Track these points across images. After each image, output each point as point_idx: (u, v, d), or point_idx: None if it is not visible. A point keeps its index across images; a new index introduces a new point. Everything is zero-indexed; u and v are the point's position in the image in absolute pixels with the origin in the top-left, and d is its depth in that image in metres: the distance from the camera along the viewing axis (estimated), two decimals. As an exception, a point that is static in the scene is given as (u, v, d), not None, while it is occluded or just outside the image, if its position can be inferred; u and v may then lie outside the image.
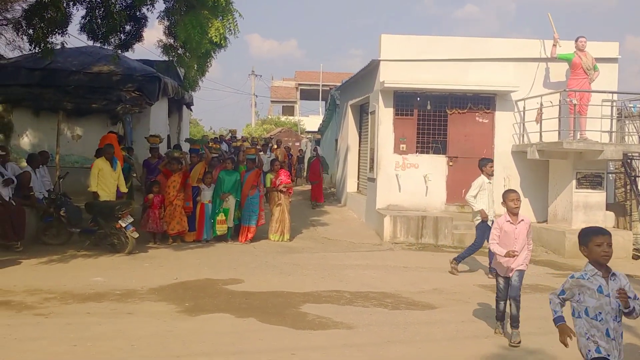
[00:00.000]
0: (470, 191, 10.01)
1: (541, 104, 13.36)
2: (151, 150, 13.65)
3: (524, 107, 14.11)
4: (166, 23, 12.25)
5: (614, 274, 4.09)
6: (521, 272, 6.61)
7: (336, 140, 21.82)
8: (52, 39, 11.97)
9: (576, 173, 13.09)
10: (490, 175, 10.27)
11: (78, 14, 12.81)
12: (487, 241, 8.02)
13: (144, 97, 15.83)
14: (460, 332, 6.80)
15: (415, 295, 8.42)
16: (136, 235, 10.92)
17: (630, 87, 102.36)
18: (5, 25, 16.56)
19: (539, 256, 12.29)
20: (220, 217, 12.45)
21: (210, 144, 15.50)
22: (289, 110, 54.76)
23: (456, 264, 10.17)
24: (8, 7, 16.28)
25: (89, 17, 12.51)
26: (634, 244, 12.75)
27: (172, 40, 12.44)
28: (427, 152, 14.45)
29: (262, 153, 17.48)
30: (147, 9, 12.39)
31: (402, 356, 5.96)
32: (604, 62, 13.77)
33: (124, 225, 10.79)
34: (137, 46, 13.46)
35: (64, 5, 11.60)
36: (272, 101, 56.40)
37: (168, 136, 19.01)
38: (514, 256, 6.43)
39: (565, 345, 4.20)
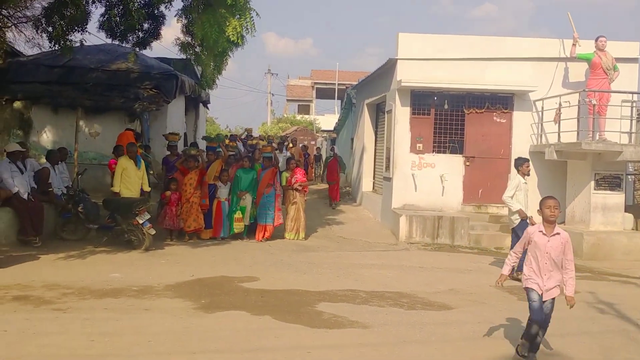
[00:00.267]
0: (506, 192, 9.92)
1: (560, 104, 13.26)
2: (170, 147, 13.72)
3: (543, 107, 14.01)
4: (184, 21, 12.29)
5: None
6: (554, 300, 5.77)
7: (352, 139, 21.80)
8: (71, 36, 12.07)
9: (595, 174, 12.97)
10: (526, 174, 10.15)
11: (97, 11, 13.03)
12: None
13: (161, 95, 15.92)
14: (476, 332, 6.76)
15: (431, 296, 8.39)
16: (153, 232, 11.00)
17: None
18: (25, 22, 16.72)
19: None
20: (238, 215, 12.51)
21: (227, 142, 15.57)
22: (304, 109, 54.78)
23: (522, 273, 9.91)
24: (28, 4, 16.44)
25: (107, 15, 12.58)
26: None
27: (189, 39, 12.48)
28: (444, 152, 14.40)
29: (277, 152, 17.49)
30: (165, 6, 12.43)
31: (417, 356, 5.94)
32: (624, 62, 13.64)
33: (141, 222, 10.88)
34: (154, 44, 13.52)
35: (84, 3, 11.68)
36: (287, 100, 56.46)
37: (185, 134, 19.09)
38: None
39: None
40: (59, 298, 7.38)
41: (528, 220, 9.65)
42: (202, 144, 16.42)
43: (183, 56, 13.01)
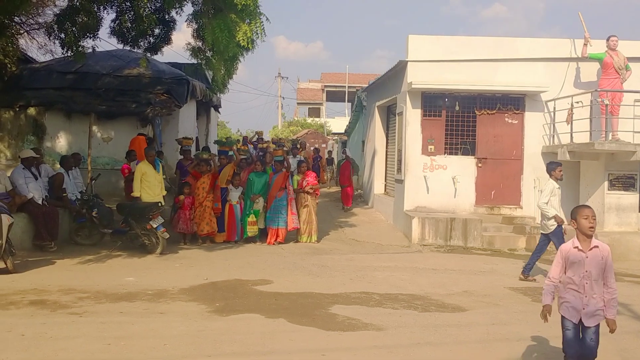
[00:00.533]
0: (542, 197, 9.78)
1: (572, 105, 13.21)
2: (184, 152, 13.80)
3: (554, 108, 13.96)
4: (194, 26, 12.36)
5: None
6: (598, 327, 4.87)
7: (363, 142, 21.82)
8: (83, 42, 12.18)
9: (608, 174, 12.91)
10: (559, 179, 9.99)
11: (108, 17, 13.05)
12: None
13: (172, 100, 16.01)
14: (490, 334, 6.75)
15: (444, 298, 8.38)
16: (167, 236, 11.08)
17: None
18: (38, 29, 16.88)
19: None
20: (251, 218, 12.57)
21: (239, 145, 15.63)
22: (315, 112, 54.88)
23: (527, 276, 9.91)
24: (40, 12, 16.61)
25: (118, 21, 12.68)
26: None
27: (200, 43, 12.56)
28: (456, 154, 14.38)
29: (290, 156, 17.49)
30: (177, 12, 12.53)
31: (431, 358, 5.95)
32: (637, 62, 13.55)
33: (155, 226, 10.96)
34: (165, 49, 13.61)
35: (95, 9, 11.79)
36: (298, 103, 56.58)
37: (196, 138, 19.20)
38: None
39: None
40: (75, 302, 7.45)
41: (563, 227, 9.62)
42: (214, 148, 16.51)
43: (194, 61, 13.10)
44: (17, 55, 15.84)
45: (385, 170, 18.11)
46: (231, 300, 7.80)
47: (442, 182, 14.18)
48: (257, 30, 11.12)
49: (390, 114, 17.58)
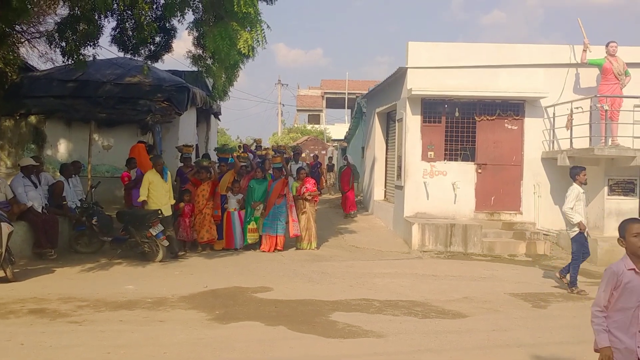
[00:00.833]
0: (567, 202, 9.65)
1: (571, 110, 13.21)
2: (184, 159, 13.80)
3: (554, 114, 13.96)
4: (195, 34, 12.39)
5: None
6: None
7: (363, 148, 21.82)
8: (84, 51, 12.19)
9: (608, 180, 12.91)
10: (583, 183, 9.88)
11: (109, 26, 13.07)
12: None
13: (173, 107, 16.01)
14: (491, 340, 6.73)
15: (445, 304, 8.36)
16: (167, 243, 11.07)
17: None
18: (38, 38, 16.95)
19: (570, 264, 12.12)
20: (252, 225, 12.56)
21: (239, 152, 15.63)
22: (314, 118, 54.93)
23: (575, 288, 9.54)
24: (41, 20, 16.68)
25: (119, 29, 12.72)
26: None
27: (200, 51, 12.59)
28: (456, 160, 14.37)
29: (293, 162, 17.48)
30: (178, 20, 12.55)
31: (433, 365, 5.94)
32: (636, 67, 13.55)
33: (154, 233, 10.94)
34: (166, 57, 13.64)
35: (96, 17, 11.81)
36: (298, 110, 56.63)
37: (196, 145, 19.19)
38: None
39: None
40: (75, 311, 7.43)
41: (585, 233, 9.58)
42: (214, 155, 16.50)
43: (194, 68, 13.12)
44: (17, 63, 15.86)
45: (385, 176, 18.10)
46: (231, 308, 7.78)
47: (442, 188, 14.17)
48: (258, 38, 11.15)
49: (390, 120, 17.59)
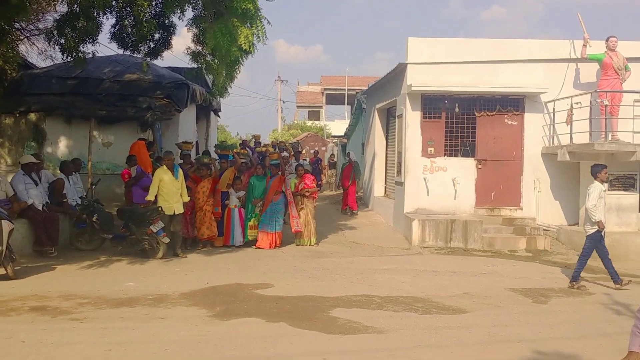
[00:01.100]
0: (590, 199, 9.53)
1: (571, 105, 13.20)
2: (184, 156, 13.78)
3: (554, 109, 13.95)
4: (195, 31, 12.36)
5: None
6: None
7: (363, 145, 21.81)
8: (83, 48, 12.16)
9: (608, 175, 12.88)
10: (605, 181, 9.81)
11: (108, 23, 13.03)
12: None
13: (172, 104, 16.01)
14: (491, 336, 6.74)
15: (445, 300, 8.37)
16: (167, 240, 11.06)
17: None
18: (38, 35, 16.90)
19: (570, 259, 12.12)
20: (252, 222, 12.58)
21: (239, 149, 15.62)
22: (314, 115, 54.91)
23: (576, 283, 9.51)
24: (40, 17, 16.64)
25: (118, 26, 12.69)
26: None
27: (200, 48, 12.56)
28: (456, 155, 14.37)
29: (294, 160, 17.44)
30: (179, 17, 12.51)
31: (433, 361, 5.95)
32: (636, 62, 13.54)
33: (155, 230, 10.94)
34: (165, 54, 13.60)
35: (95, 14, 11.78)
36: (298, 106, 56.57)
37: (196, 142, 19.19)
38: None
39: None
40: (76, 308, 7.44)
41: (602, 233, 9.55)
42: (214, 152, 16.48)
43: (194, 65, 13.09)
44: (17, 61, 15.84)
45: (385, 172, 18.10)
46: (232, 305, 7.79)
47: (442, 184, 14.17)
48: (258, 34, 11.13)
49: (390, 116, 17.58)
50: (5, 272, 8.95)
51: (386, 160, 18.03)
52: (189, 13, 12.24)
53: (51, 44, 12.80)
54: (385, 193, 17.99)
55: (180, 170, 11.72)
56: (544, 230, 13.60)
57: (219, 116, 24.47)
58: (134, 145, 13.92)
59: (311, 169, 20.28)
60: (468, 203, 14.24)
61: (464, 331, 6.91)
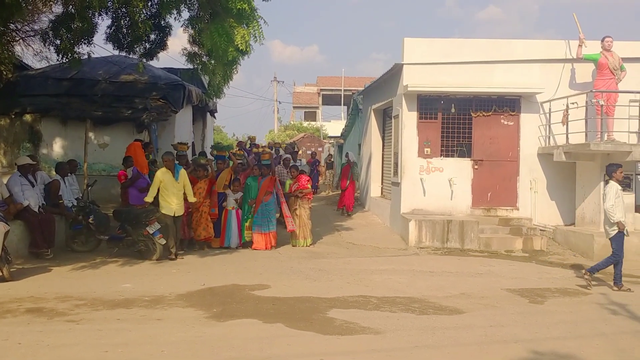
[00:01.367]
0: (608, 200, 9.47)
1: (567, 106, 13.23)
2: (179, 157, 13.75)
3: (550, 109, 13.97)
4: (191, 31, 12.36)
5: None
6: None
7: (359, 145, 21.81)
8: (78, 48, 12.14)
9: (604, 175, 12.90)
10: (620, 181, 9.76)
11: (104, 23, 13.06)
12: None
13: (168, 105, 16.00)
14: (488, 336, 6.75)
15: (442, 300, 8.38)
16: (163, 241, 11.04)
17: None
18: (33, 36, 16.91)
19: (566, 259, 12.17)
20: (249, 223, 12.56)
21: (235, 150, 15.61)
22: (311, 115, 54.89)
23: (590, 275, 9.54)
24: (35, 18, 16.63)
25: (114, 27, 12.69)
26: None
27: (196, 49, 12.56)
28: (452, 156, 14.38)
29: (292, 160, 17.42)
30: (175, 18, 12.51)
31: (430, 361, 5.95)
32: (631, 62, 13.58)
33: (151, 232, 10.93)
34: (161, 55, 13.59)
35: (90, 15, 11.77)
36: (294, 107, 56.60)
37: (192, 143, 19.18)
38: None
39: None
40: (72, 309, 7.43)
41: (625, 232, 9.49)
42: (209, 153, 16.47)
43: (190, 66, 13.08)
44: (12, 62, 15.83)
45: (382, 173, 18.11)
46: (229, 306, 7.78)
47: (439, 185, 14.18)
48: (255, 34, 11.13)
49: (386, 117, 17.59)
50: (1, 274, 8.94)
51: (382, 160, 18.04)
52: (185, 14, 12.26)
53: (46, 44, 12.80)
54: (381, 193, 18.00)
55: (182, 172, 11.55)
56: (541, 230, 13.63)
57: (215, 117, 24.45)
58: (130, 146, 13.91)
59: (309, 170, 20.25)
60: (464, 203, 14.26)
61: (461, 331, 6.92)
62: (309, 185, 13.36)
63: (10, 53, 15.43)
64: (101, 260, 10.83)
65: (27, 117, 16.12)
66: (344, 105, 48.05)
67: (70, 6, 11.49)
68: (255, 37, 11.08)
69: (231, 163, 13.50)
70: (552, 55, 14.22)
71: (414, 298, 8.46)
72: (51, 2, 13.04)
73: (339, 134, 31.65)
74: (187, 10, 12.18)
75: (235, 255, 11.83)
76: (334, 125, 47.66)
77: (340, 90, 48.59)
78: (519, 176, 14.34)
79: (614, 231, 9.53)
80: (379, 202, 17.37)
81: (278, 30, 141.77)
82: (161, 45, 13.24)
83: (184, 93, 16.55)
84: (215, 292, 8.54)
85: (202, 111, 20.98)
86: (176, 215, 11.35)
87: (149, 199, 11.23)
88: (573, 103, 13.24)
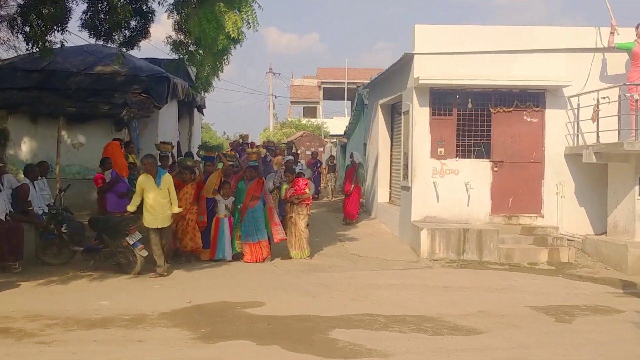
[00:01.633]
0: None
1: (598, 100, 13.24)
2: (162, 158, 13.72)
3: (578, 104, 13.98)
4: (176, 17, 12.36)
5: None
6: None
7: (365, 145, 21.83)
8: (50, 37, 12.15)
9: (639, 178, 12.91)
10: None
11: (78, 9, 13.01)
12: None
13: (151, 100, 15.99)
14: (510, 359, 6.75)
15: (458, 319, 8.37)
16: (145, 253, 11.01)
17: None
18: (0, 23, 16.90)
19: (597, 273, 12.15)
20: (239, 232, 12.53)
21: (227, 150, 15.61)
22: (310, 111, 54.96)
23: None
24: (2, 3, 16.62)
25: (90, 13, 12.69)
26: None
27: (182, 37, 12.56)
28: (469, 157, 14.39)
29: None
30: (158, 2, 12.52)
31: (445, 388, 5.94)
32: (670, 52, 13.58)
33: (131, 242, 10.90)
34: (143, 43, 13.59)
35: (63, -1, 11.80)
36: (291, 102, 56.70)
37: (178, 143, 19.19)
38: None
39: None
40: (43, 330, 7.42)
41: None
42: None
43: (175, 56, 13.09)
44: (-24, 52, 15.85)
45: (390, 176, 18.12)
46: (218, 325, 7.78)
47: (454, 189, 14.18)
48: (248, 19, 11.12)
49: (394, 113, 17.61)
50: (-38, 289, 8.93)
51: (391, 162, 18.05)
52: (169, -3, 12.23)
53: (14, 32, 12.82)
54: (389, 199, 18.01)
55: (167, 177, 11.25)
56: (568, 240, 13.61)
57: (203, 113, 24.47)
58: (108, 146, 13.91)
59: (310, 173, 20.18)
60: (483, 210, 14.25)
61: (479, 354, 6.91)
62: (308, 190, 13.29)
63: (-26, 42, 15.47)
64: (75, 275, 10.83)
65: (-7, 114, 16.13)
66: (347, 100, 48.07)
67: (41, -11, 11.51)
68: (249, 23, 11.08)
69: (221, 165, 13.50)
70: (581, 44, 14.23)
71: (426, 317, 8.44)
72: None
73: (342, 133, 31.68)
74: (172, -7, 12.19)
75: (225, 269, 11.83)
76: (336, 122, 47.76)
77: (344, 83, 48.62)
78: (544, 179, 14.34)
79: None
80: (387, 208, 17.37)
81: (274, 16, 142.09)
82: (143, 32, 13.24)
83: (168, 86, 16.55)
84: (203, 310, 8.53)
85: (189, 107, 21.00)
86: (162, 227, 11.15)
87: (131, 208, 11.17)
88: (604, 97, 13.25)
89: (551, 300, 9.76)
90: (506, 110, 14.38)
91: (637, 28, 13.19)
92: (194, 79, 17.59)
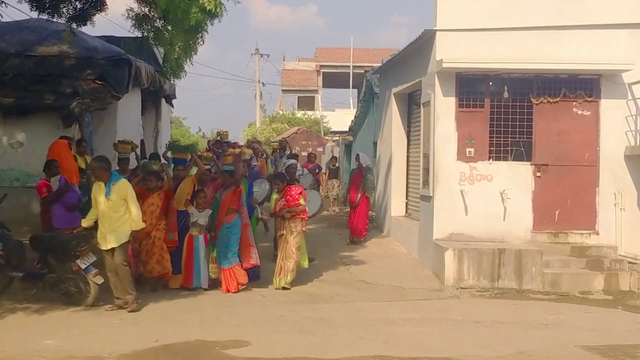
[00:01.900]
0: None
1: (666, 89, 13.28)
2: (120, 161, 13.72)
3: (643, 93, 14.04)
4: (139, -15, 12.43)
5: None
6: None
7: (374, 144, 21.85)
8: (-19, 10, 12.22)
9: None
10: None
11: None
12: None
13: (108, 88, 16.03)
14: (557, 413, 6.75)
15: (492, 362, 8.39)
16: (100, 280, 10.98)
17: None
18: None
19: (667, 304, 12.16)
20: (215, 253, 12.49)
21: (201, 152, 15.59)
22: (307, 102, 55.04)
23: None
24: None
25: (32, -20, 12.75)
26: None
27: (147, 9, 12.58)
28: (505, 159, 14.40)
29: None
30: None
31: None
32: None
33: (83, 266, 10.85)
34: (98, 18, 13.63)
35: (-2, -36, 11.85)
36: (283, 90, 56.73)
37: (142, 141, 19.19)
38: None
39: None
40: (-29, 377, 7.43)
41: None
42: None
43: (138, 34, 13.10)
44: None
45: (407, 183, 18.14)
46: (192, 371, 7.78)
47: (486, 199, 14.18)
48: (228, -13, 11.17)
49: (412, 104, 17.65)
50: None
51: (407, 166, 18.08)
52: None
53: (-63, 5, 12.83)
54: (406, 212, 18.02)
55: (121, 184, 10.92)
56: (630, 263, 13.60)
57: (172, 105, 24.52)
58: (54, 146, 13.91)
59: (312, 179, 20.13)
60: (523, 225, 14.26)
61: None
62: (302, 201, 13.13)
63: None
64: (13, 307, 10.82)
65: None
66: (353, 88, 48.20)
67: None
68: (229, -8, 11.11)
69: (195, 170, 13.48)
70: (645, 18, 14.28)
71: (452, 359, 8.45)
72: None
73: (347, 129, 31.73)
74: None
75: (201, 299, 11.81)
76: (339, 115, 47.77)
77: (348, 67, 48.77)
78: (599, 187, 14.34)
79: None
80: (403, 223, 17.38)
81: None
82: (97, 5, 13.27)
83: (129, 71, 16.59)
84: (173, 351, 8.54)
85: (155, 97, 21.06)
86: (109, 247, 10.80)
87: (86, 223, 11.07)
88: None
89: (608, 338, 9.77)
90: (552, 100, 14.38)
91: None
92: (161, 62, 17.63)
